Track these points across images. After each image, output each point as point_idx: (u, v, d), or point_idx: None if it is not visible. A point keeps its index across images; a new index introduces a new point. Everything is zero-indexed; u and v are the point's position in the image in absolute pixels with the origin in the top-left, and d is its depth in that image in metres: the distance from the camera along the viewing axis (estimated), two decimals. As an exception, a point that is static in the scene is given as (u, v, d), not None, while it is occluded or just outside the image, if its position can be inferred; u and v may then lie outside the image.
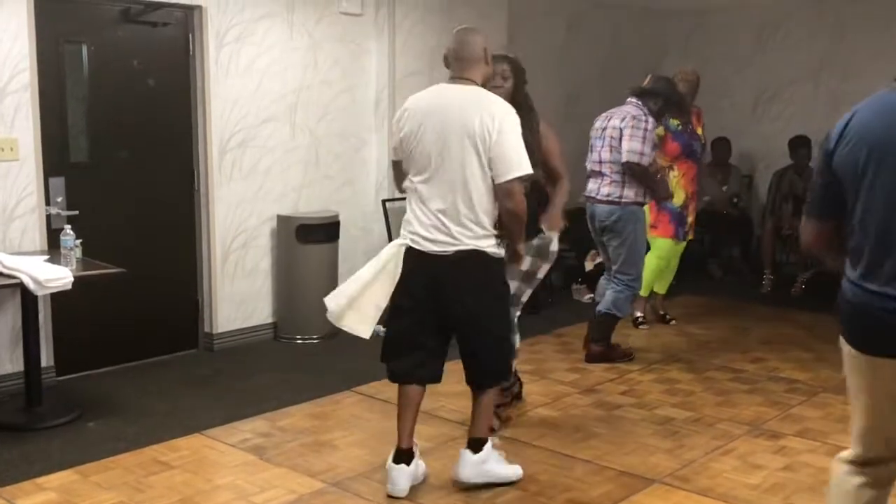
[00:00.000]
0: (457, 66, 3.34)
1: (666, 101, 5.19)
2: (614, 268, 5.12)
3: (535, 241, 3.92)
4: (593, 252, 6.86)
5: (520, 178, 3.22)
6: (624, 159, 4.94)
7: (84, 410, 4.24)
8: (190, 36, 5.18)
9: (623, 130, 4.97)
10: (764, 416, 4.29)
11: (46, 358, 4.56)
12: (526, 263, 3.81)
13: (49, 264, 4.02)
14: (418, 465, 3.45)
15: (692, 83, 5.80)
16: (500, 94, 3.55)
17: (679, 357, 5.33)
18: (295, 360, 5.23)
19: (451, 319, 3.35)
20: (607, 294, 5.15)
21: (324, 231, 5.63)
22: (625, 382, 4.80)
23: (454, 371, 3.53)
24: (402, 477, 3.36)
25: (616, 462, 3.69)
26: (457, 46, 3.34)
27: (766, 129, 7.99)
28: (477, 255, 3.27)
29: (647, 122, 5.00)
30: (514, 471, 3.50)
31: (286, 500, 3.32)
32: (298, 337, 5.61)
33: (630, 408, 4.39)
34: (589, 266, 6.89)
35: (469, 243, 3.25)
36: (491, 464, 3.43)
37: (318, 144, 5.83)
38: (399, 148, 3.41)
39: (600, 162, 5.08)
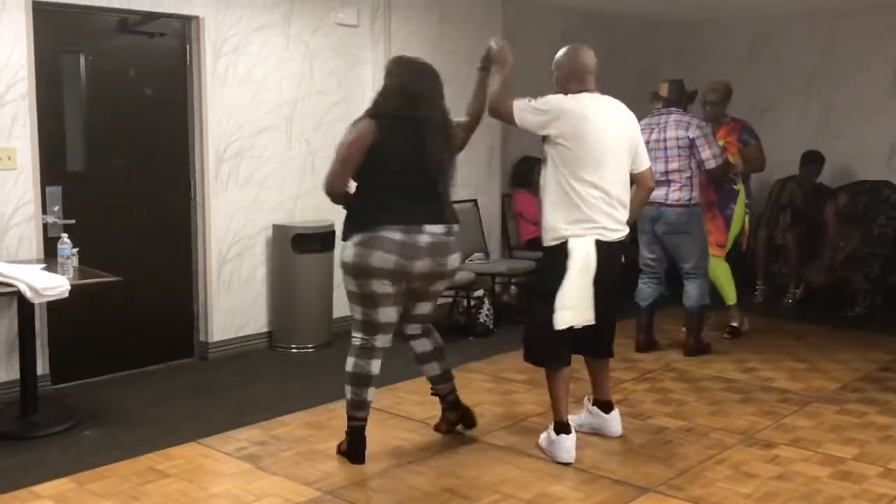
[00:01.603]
0: (591, 80, 3.90)
1: (687, 102, 5.56)
2: (689, 265, 5.49)
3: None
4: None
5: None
6: (711, 166, 5.34)
7: (80, 419, 4.25)
8: (187, 46, 5.22)
9: (695, 140, 5.31)
10: (757, 425, 4.31)
11: (42, 366, 4.57)
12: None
13: (46, 273, 4.03)
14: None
15: (718, 92, 5.86)
16: None
17: (672, 367, 5.36)
18: (290, 369, 5.24)
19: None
20: (693, 290, 5.51)
21: (319, 240, 5.65)
22: (619, 392, 4.81)
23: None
24: (573, 444, 3.84)
25: (610, 471, 3.71)
26: (593, 63, 3.93)
27: (759, 141, 8.03)
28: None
29: (708, 125, 5.50)
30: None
31: (282, 509, 3.34)
32: (294, 346, 5.62)
33: (624, 417, 4.39)
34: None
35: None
36: None
37: (314, 154, 5.86)
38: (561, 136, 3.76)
39: (666, 172, 5.34)
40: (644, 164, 3.96)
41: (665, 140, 5.35)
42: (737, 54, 8.13)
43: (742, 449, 3.99)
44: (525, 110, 3.77)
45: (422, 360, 4.03)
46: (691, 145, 5.31)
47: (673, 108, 5.43)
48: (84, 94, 4.86)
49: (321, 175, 5.83)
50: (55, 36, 4.69)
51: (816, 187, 7.30)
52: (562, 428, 3.82)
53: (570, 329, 3.72)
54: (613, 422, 4.13)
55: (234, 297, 5.51)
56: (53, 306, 4.26)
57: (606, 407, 4.14)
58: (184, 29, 5.20)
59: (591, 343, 3.97)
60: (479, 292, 6.24)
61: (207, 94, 5.23)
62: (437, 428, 4.16)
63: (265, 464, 3.76)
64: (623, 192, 3.82)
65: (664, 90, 5.49)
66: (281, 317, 5.66)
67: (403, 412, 4.43)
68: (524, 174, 7.05)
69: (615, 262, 3.85)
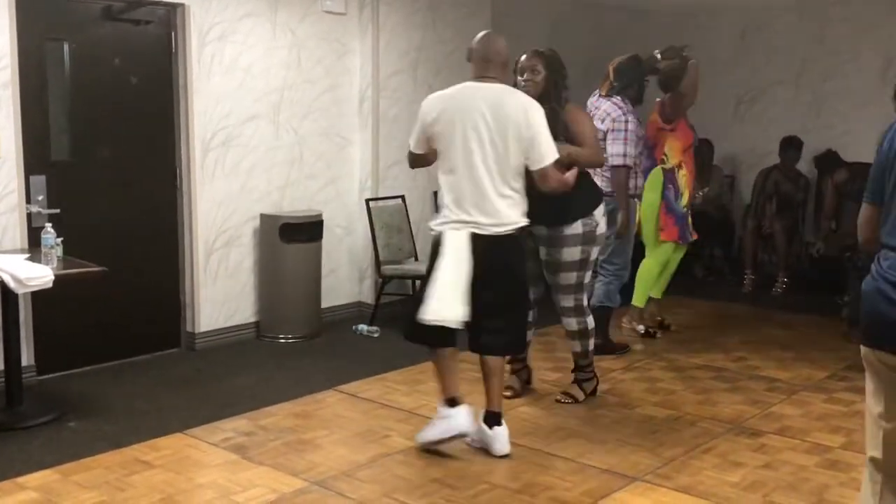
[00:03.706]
0: (482, 66, 3.70)
1: (640, 82, 5.23)
2: (602, 258, 5.15)
3: (583, 228, 4.17)
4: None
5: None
6: (609, 163, 4.96)
7: (65, 410, 4.22)
8: (172, 34, 5.17)
9: (606, 134, 5.00)
10: (744, 414, 4.32)
11: (27, 357, 4.54)
12: (576, 253, 4.19)
13: (30, 263, 4.00)
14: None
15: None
16: (531, 88, 4.06)
17: (660, 356, 5.36)
18: (277, 360, 5.22)
19: None
20: (597, 287, 5.23)
21: (307, 230, 5.62)
22: (607, 381, 4.81)
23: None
24: (469, 417, 3.74)
25: (597, 460, 3.71)
26: (483, 48, 3.72)
27: (748, 131, 8.05)
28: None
29: (627, 122, 5.03)
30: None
31: (268, 499, 3.32)
32: (281, 336, 5.60)
33: (612, 406, 4.41)
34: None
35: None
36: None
37: (302, 143, 5.82)
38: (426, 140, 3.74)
39: None
40: (537, 162, 3.64)
41: None
42: (727, 43, 8.12)
43: (729, 438, 4.00)
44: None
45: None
46: (605, 138, 4.99)
47: (613, 96, 5.12)
48: (68, 83, 4.81)
49: (309, 164, 5.88)
50: (39, 24, 4.63)
51: (800, 175, 7.34)
52: (448, 402, 3.73)
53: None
54: (496, 440, 3.72)
55: (222, 287, 5.48)
56: (38, 296, 4.22)
57: (491, 419, 3.76)
58: (169, 16, 5.15)
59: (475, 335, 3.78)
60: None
61: (193, 82, 5.18)
62: (514, 392, 4.44)
63: (252, 454, 3.74)
64: (503, 185, 3.62)
65: (610, 73, 5.20)
66: (268, 307, 5.64)
67: (392, 402, 4.42)
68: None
69: (505, 256, 3.68)
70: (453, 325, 3.59)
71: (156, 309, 5.28)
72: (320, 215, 5.76)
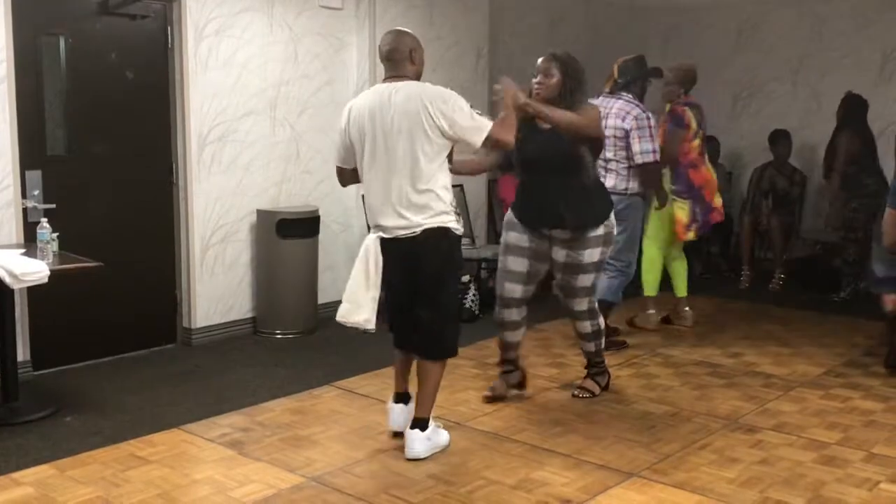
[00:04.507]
0: (387, 66, 3.65)
1: (643, 80, 5.32)
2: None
3: (604, 230, 4.23)
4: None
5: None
6: (639, 161, 5.10)
7: (61, 405, 4.21)
8: (169, 29, 5.15)
9: (629, 132, 5.10)
10: (741, 410, 4.32)
11: (23, 352, 4.53)
12: (597, 254, 4.24)
13: (25, 258, 3.98)
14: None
15: (675, 72, 5.65)
16: (542, 91, 4.09)
17: (657, 352, 5.36)
18: (274, 355, 5.21)
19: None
20: (601, 281, 5.21)
21: (304, 226, 5.61)
22: (604, 377, 4.82)
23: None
24: (401, 413, 3.82)
25: (594, 456, 3.71)
26: (383, 48, 3.65)
27: (745, 127, 8.05)
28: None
29: (648, 118, 5.14)
30: (446, 436, 3.81)
31: (265, 495, 3.31)
32: (278, 332, 5.59)
33: (608, 402, 4.41)
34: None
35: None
36: (434, 437, 3.73)
37: (299, 139, 5.81)
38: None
39: (605, 160, 5.17)
40: (476, 134, 3.53)
41: (605, 129, 5.08)
42: (725, 40, 8.12)
43: (726, 434, 4.00)
44: None
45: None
46: (627, 136, 5.10)
47: (623, 94, 5.22)
48: (65, 78, 4.80)
49: (306, 160, 5.87)
50: (35, 18, 4.62)
51: (794, 170, 7.34)
52: (395, 397, 3.88)
53: (397, 315, 3.75)
54: (408, 441, 3.65)
55: (218, 282, 5.47)
56: (34, 292, 4.21)
57: (417, 423, 3.69)
58: (165, 11, 5.14)
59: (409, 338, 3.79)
60: (465, 278, 6.22)
61: (189, 77, 5.17)
62: (494, 394, 4.38)
63: (248, 450, 3.73)
64: (412, 189, 3.52)
65: (614, 71, 5.27)
66: (265, 303, 5.63)
67: (388, 398, 4.41)
68: (509, 160, 7.01)
69: (422, 260, 3.57)
70: (362, 328, 3.61)
71: (152, 304, 5.27)
72: (317, 211, 5.75)
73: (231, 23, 5.34)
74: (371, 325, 3.61)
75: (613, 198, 4.99)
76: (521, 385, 4.51)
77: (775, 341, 5.63)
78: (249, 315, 5.66)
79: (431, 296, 3.63)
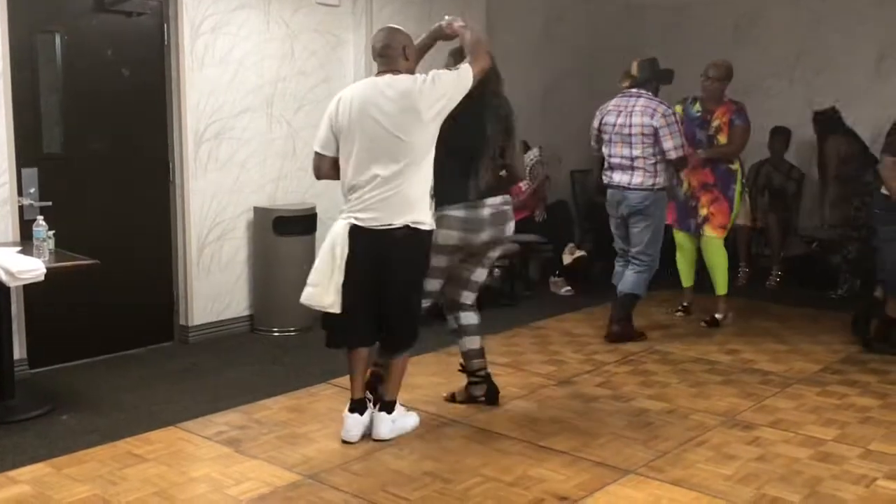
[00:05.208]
0: (381, 62, 3.70)
1: (658, 81, 5.45)
2: (636, 249, 5.40)
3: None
4: (571, 245, 6.89)
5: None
6: (672, 157, 5.25)
7: (57, 403, 4.20)
8: (165, 26, 5.14)
9: (659, 130, 5.21)
10: (738, 407, 4.32)
11: (19, 350, 4.52)
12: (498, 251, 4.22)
13: (21, 256, 3.97)
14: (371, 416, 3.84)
15: (720, 69, 5.78)
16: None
17: (654, 349, 5.36)
18: (271, 353, 5.21)
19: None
20: (628, 275, 5.44)
21: (301, 223, 5.60)
22: (601, 374, 4.82)
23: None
24: (356, 425, 3.79)
25: (591, 453, 3.71)
26: (374, 44, 3.72)
27: (743, 123, 8.03)
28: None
29: (674, 114, 5.30)
30: (414, 419, 3.93)
31: (261, 493, 3.31)
32: (275, 329, 5.59)
33: (606, 399, 4.41)
34: (567, 259, 6.91)
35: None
36: (399, 420, 3.83)
37: (296, 136, 5.80)
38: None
39: (632, 158, 5.28)
40: (464, 81, 3.64)
41: (630, 126, 5.26)
42: (721, 36, 8.10)
43: (723, 430, 4.00)
44: None
45: (468, 333, 4.19)
46: (655, 133, 5.21)
47: (642, 91, 5.33)
48: (60, 75, 4.79)
49: (302, 157, 5.86)
50: (30, 15, 4.60)
51: (791, 167, 7.35)
52: (353, 405, 3.80)
53: (356, 313, 3.67)
54: (374, 422, 3.79)
55: (215, 280, 5.46)
56: (30, 290, 4.20)
57: (384, 406, 3.82)
58: (161, 8, 5.13)
59: (381, 333, 3.83)
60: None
61: (186, 74, 5.16)
62: (452, 398, 4.28)
63: (245, 448, 3.73)
64: (394, 181, 3.56)
65: (634, 69, 5.39)
66: (262, 300, 5.63)
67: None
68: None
69: (393, 251, 3.61)
70: (328, 310, 3.67)
71: (149, 302, 5.26)
72: (314, 208, 5.74)
73: (227, 19, 5.33)
74: (336, 308, 3.65)
75: (640, 194, 5.31)
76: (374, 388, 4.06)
77: (772, 338, 5.63)
78: (246, 313, 5.66)
79: (405, 290, 3.71)
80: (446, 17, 4.00)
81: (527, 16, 7.53)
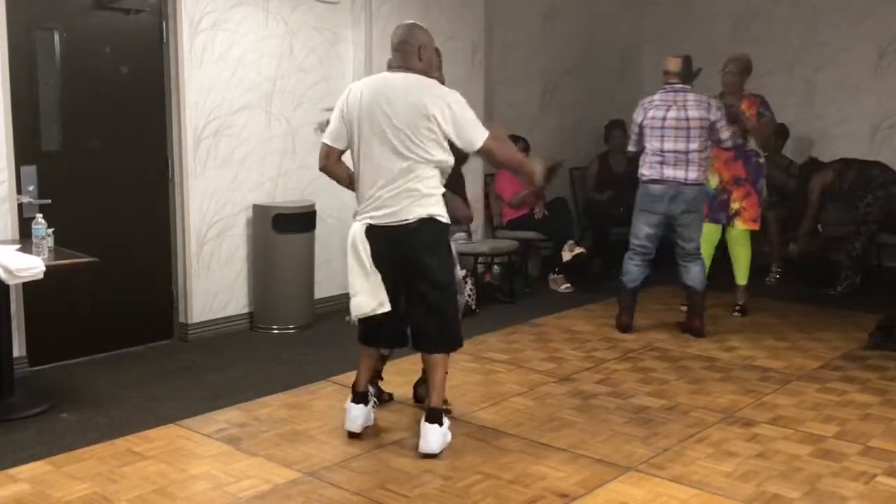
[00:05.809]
0: (395, 56, 3.67)
1: (692, 78, 5.54)
2: (693, 244, 5.47)
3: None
4: (570, 243, 6.88)
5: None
6: (729, 146, 5.50)
7: (57, 401, 4.20)
8: (164, 23, 5.13)
9: (716, 122, 5.34)
10: (737, 403, 4.32)
11: (18, 348, 4.52)
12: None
13: (20, 253, 3.96)
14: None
15: (740, 62, 5.94)
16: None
17: (654, 346, 5.36)
18: (271, 351, 5.20)
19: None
20: (697, 271, 5.51)
21: (300, 220, 5.60)
22: (600, 371, 4.82)
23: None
24: (360, 415, 3.78)
25: (591, 450, 3.71)
26: (397, 39, 3.67)
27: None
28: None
29: (721, 105, 5.46)
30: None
31: (261, 490, 3.31)
32: (275, 327, 5.59)
33: (605, 396, 4.41)
34: (566, 256, 6.90)
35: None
36: (447, 432, 3.69)
37: (295, 133, 5.80)
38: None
39: (687, 152, 5.32)
40: (471, 145, 3.58)
41: (688, 119, 5.30)
42: (720, 32, 8.11)
43: (723, 427, 4.00)
44: None
45: None
46: (711, 127, 5.33)
47: (686, 86, 5.41)
48: (59, 72, 4.78)
49: (301, 154, 5.85)
50: (29, 12, 4.59)
51: (790, 162, 7.35)
52: (355, 397, 3.80)
53: (390, 311, 3.62)
54: (423, 434, 3.59)
55: (214, 277, 5.46)
56: (29, 287, 4.19)
57: (427, 415, 3.63)
58: (160, 5, 5.11)
59: (407, 334, 3.77)
60: (462, 272, 6.22)
61: (185, 71, 5.15)
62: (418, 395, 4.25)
63: (245, 445, 3.73)
64: (403, 177, 3.53)
65: (675, 65, 5.41)
66: (262, 298, 5.62)
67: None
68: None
69: (414, 245, 3.57)
70: (380, 311, 3.60)
71: (148, 300, 5.26)
72: (313, 206, 5.74)
73: (226, 17, 5.32)
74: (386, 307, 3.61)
75: (696, 189, 5.39)
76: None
77: (772, 335, 5.63)
78: (246, 310, 5.66)
79: (430, 287, 3.62)
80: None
81: (525, 11, 7.52)
